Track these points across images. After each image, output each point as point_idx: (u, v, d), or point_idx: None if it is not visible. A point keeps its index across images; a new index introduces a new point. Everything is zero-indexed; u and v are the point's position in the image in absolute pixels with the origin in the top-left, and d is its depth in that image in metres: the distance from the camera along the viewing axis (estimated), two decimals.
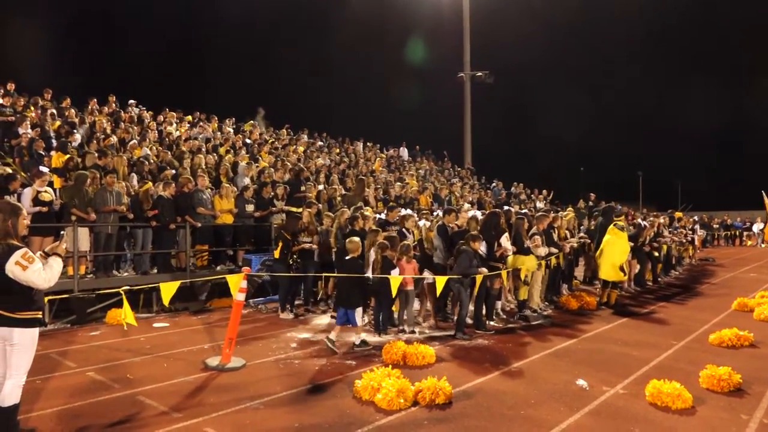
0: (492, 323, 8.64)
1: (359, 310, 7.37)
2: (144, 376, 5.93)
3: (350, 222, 9.00)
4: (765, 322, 8.91)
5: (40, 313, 4.24)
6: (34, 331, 4.14)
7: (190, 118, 18.55)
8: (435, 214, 11.33)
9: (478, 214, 9.74)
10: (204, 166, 12.74)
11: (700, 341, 7.66)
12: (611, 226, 10.79)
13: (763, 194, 18.26)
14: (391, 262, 7.80)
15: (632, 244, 12.04)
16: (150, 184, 10.58)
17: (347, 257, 7.49)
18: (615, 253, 10.47)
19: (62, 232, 4.80)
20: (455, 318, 8.28)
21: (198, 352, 7.03)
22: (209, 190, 11.51)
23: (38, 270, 4.00)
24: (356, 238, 7.67)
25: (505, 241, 8.80)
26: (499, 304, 9.41)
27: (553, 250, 10.03)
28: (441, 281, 7.57)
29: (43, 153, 10.99)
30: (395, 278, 7.46)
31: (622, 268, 10.52)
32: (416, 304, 8.94)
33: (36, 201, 8.69)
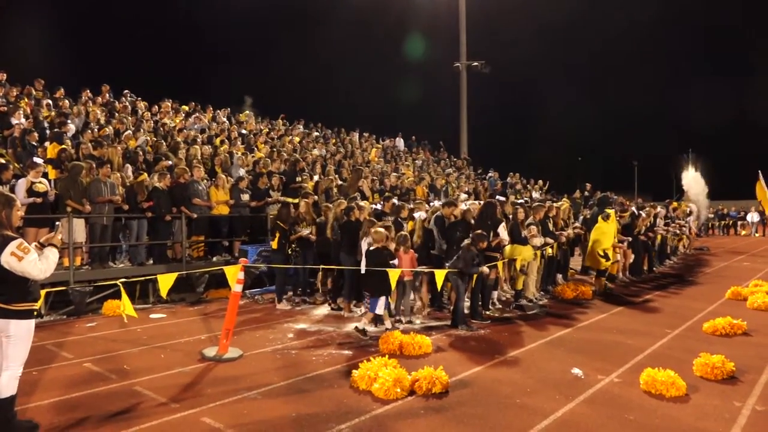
0: (488, 313, 8.67)
1: (382, 299, 7.48)
2: (141, 367, 5.94)
3: (346, 213, 9.00)
4: (758, 310, 8.98)
5: (36, 304, 4.24)
6: (30, 323, 4.14)
7: (185, 108, 18.44)
8: (432, 204, 11.33)
9: (470, 203, 9.76)
10: (200, 157, 12.69)
11: (694, 330, 7.72)
12: (599, 216, 10.87)
13: (760, 175, 17.84)
14: (392, 252, 7.82)
15: (629, 238, 12.14)
16: (145, 175, 10.54)
17: (372, 248, 7.60)
18: (598, 241, 10.58)
19: (57, 223, 4.78)
20: (451, 308, 8.32)
21: (195, 342, 7.04)
22: (205, 181, 11.47)
23: (34, 261, 3.99)
24: (381, 229, 7.76)
25: (503, 230, 8.82)
26: (495, 294, 9.44)
27: (549, 240, 10.08)
28: (441, 275, 7.56)
29: (36, 144, 10.91)
30: (394, 271, 7.48)
31: (606, 255, 10.57)
32: (412, 294, 8.96)
33: (30, 192, 8.65)
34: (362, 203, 9.70)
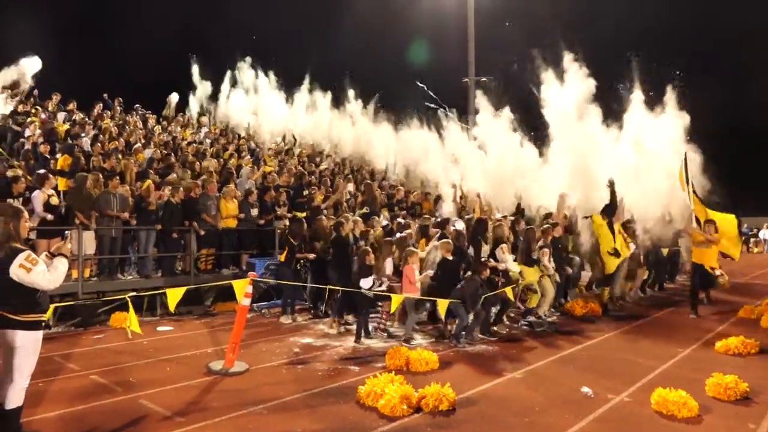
0: (495, 329, 8.57)
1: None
2: (147, 380, 5.93)
3: (335, 228, 9.01)
4: None
5: (45, 315, 4.24)
6: (38, 334, 4.14)
7: (194, 122, 18.64)
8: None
9: (461, 225, 9.65)
10: (213, 171, 12.70)
11: (706, 349, 7.60)
12: (595, 221, 10.59)
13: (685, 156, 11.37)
14: (369, 269, 7.84)
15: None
16: (150, 181, 10.57)
17: (451, 258, 7.98)
18: (602, 242, 10.38)
19: (66, 233, 4.80)
20: (451, 329, 8.22)
21: (201, 356, 7.02)
22: (215, 194, 11.47)
23: (42, 272, 4.01)
24: (449, 241, 8.11)
25: (501, 252, 8.71)
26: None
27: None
28: (443, 304, 7.43)
29: (49, 156, 11.03)
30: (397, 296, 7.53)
31: (615, 252, 10.25)
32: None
33: (47, 206, 8.71)
34: (355, 218, 9.73)
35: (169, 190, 10.38)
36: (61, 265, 4.19)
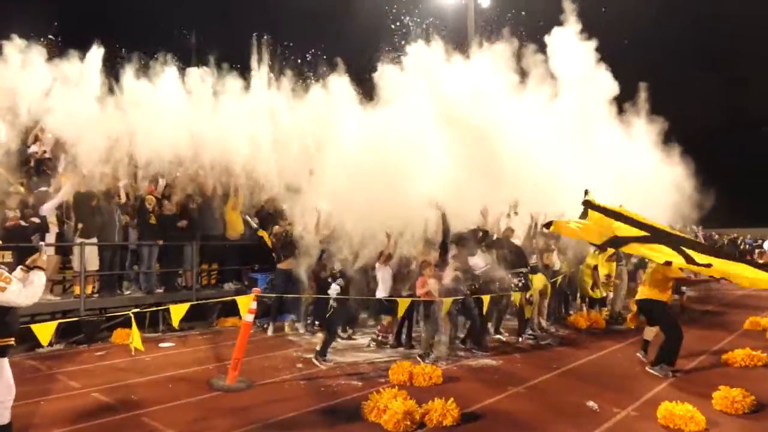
0: (498, 336, 8.50)
1: None
2: (149, 397, 5.88)
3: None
4: None
5: (12, 339, 4.05)
6: (2, 362, 3.97)
7: None
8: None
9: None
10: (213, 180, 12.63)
11: (713, 361, 7.54)
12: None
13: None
14: (326, 281, 7.90)
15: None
16: (151, 197, 10.58)
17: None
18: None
19: (41, 243, 4.67)
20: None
21: (203, 372, 6.98)
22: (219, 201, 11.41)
23: (17, 290, 3.88)
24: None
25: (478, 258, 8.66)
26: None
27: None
28: (448, 303, 7.47)
29: (50, 173, 11.03)
30: (404, 300, 7.48)
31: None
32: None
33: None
34: None
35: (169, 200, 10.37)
36: (38, 278, 4.06)
